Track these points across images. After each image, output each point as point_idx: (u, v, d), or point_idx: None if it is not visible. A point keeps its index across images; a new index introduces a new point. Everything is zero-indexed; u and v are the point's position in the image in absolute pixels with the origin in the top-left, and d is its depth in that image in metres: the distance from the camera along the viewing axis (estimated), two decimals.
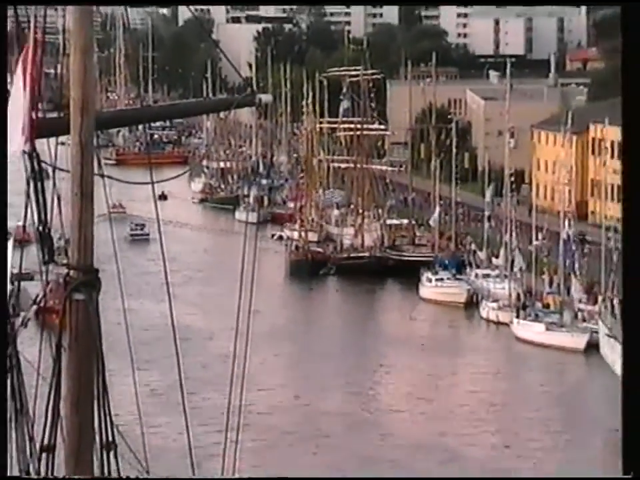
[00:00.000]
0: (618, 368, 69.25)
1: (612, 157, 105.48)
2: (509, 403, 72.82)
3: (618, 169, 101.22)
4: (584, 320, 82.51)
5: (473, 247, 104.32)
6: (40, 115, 12.17)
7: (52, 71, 15.95)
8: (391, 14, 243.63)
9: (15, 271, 12.89)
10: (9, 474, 13.69)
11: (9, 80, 12.51)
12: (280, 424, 62.39)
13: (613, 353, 69.93)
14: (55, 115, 12.90)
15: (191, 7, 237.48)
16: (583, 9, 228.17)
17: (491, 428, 67.64)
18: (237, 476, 16.06)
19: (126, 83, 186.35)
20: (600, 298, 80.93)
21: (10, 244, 12.47)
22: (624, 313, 9.78)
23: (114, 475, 12.16)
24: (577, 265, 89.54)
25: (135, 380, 15.02)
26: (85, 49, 11.27)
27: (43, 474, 12.13)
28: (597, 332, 76.30)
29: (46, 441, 12.05)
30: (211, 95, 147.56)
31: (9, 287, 12.06)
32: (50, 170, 13.22)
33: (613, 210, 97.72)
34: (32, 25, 13.11)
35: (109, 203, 13.02)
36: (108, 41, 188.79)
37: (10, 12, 14.19)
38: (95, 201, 11.43)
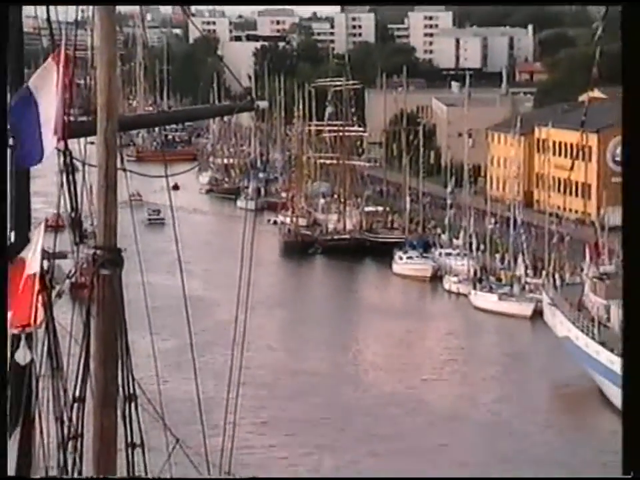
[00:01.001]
0: (558, 331, 69.29)
1: (554, 154, 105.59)
2: (468, 359, 72.94)
3: (559, 164, 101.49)
4: (530, 291, 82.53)
5: (438, 230, 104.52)
6: (71, 118, 12.19)
7: (82, 81, 15.93)
8: (368, 33, 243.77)
9: (51, 251, 12.90)
10: (44, 426, 13.70)
11: (36, 90, 12.49)
12: (273, 377, 62.38)
13: (554, 319, 69.99)
14: (84, 118, 12.91)
15: (200, 27, 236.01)
16: (530, 29, 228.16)
17: (452, 379, 67.72)
18: (234, 477, 15.98)
19: (144, 91, 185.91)
20: (544, 273, 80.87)
21: (42, 227, 12.47)
22: (624, 314, 8.58)
23: (134, 423, 12.19)
24: (524, 245, 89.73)
25: (152, 341, 15.05)
26: (109, 63, 11.29)
27: (74, 420, 12.17)
28: (541, 301, 76.29)
29: (77, 393, 12.08)
30: (216, 101, 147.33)
31: (46, 264, 12.06)
32: (80, 165, 13.24)
33: (554, 199, 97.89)
34: (64, 42, 13.11)
35: (129, 193, 13.03)
36: (129, 56, 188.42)
37: (46, 31, 14.15)
38: (118, 191, 11.47)
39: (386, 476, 45.06)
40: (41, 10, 13.94)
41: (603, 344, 62.62)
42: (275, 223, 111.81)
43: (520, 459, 52.94)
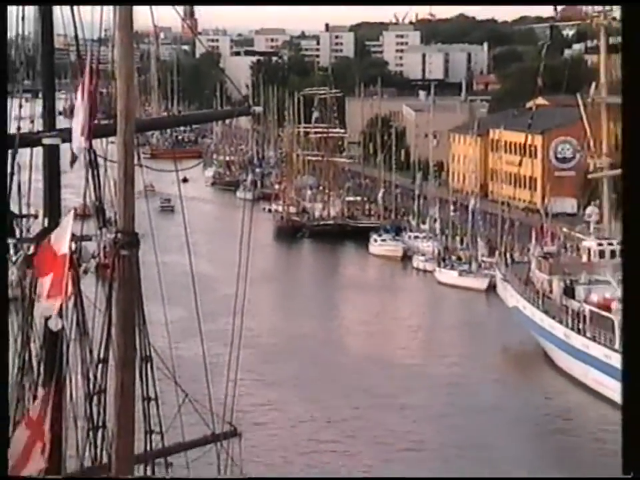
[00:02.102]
0: (508, 302, 69.37)
1: (505, 152, 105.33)
2: (433, 325, 73.22)
3: (510, 160, 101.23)
4: (485, 268, 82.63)
5: (408, 217, 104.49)
6: (95, 122, 12.17)
7: (104, 90, 15.83)
8: (348, 49, 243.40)
9: (78, 234, 12.88)
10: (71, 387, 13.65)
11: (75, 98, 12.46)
12: (268, 341, 62.44)
13: (505, 292, 70.13)
14: (106, 122, 12.87)
15: (205, 44, 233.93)
16: (485, 46, 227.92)
17: (419, 342, 67.93)
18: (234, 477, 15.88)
19: (158, 99, 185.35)
20: (497, 253, 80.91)
21: (71, 214, 12.43)
22: (624, 314, 7.53)
23: (150, 380, 12.17)
24: (480, 230, 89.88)
25: (164, 311, 15.04)
26: (127, 74, 11.25)
27: (98, 378, 12.17)
28: (494, 277, 76.41)
29: (101, 355, 12.08)
30: (219, 107, 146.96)
31: (74, 245, 12.04)
32: (103, 161, 13.21)
33: (506, 190, 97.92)
34: (89, 57, 13.05)
35: (144, 185, 13.01)
36: (145, 68, 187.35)
37: (73, 47, 14.05)
38: (135, 183, 11.44)
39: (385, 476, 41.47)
40: (70, 29, 13.86)
41: (546, 312, 62.86)
42: (269, 210, 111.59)
43: (474, 405, 53.17)
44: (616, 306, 57.10)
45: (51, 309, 12.22)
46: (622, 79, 7.65)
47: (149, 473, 12.98)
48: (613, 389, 54.83)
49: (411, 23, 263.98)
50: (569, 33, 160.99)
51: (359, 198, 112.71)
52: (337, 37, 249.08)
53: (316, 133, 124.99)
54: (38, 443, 12.65)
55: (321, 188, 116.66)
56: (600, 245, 63.12)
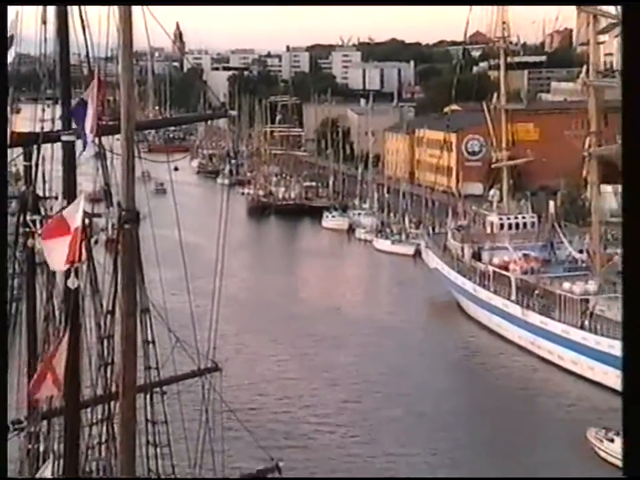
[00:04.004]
0: (430, 264, 69.52)
1: (428, 147, 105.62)
2: (371, 282, 73.51)
3: (431, 154, 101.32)
4: (412, 238, 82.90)
5: (352, 198, 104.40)
6: (103, 122, 12.06)
7: (111, 98, 15.66)
8: (304, 65, 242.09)
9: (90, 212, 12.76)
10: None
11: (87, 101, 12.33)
12: (242, 297, 62.34)
13: (427, 256, 70.35)
14: (112, 122, 12.74)
15: (191, 61, 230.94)
16: (412, 64, 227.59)
17: (360, 295, 68.15)
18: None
19: (153, 105, 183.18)
20: (421, 226, 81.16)
21: (82, 196, 12.32)
22: (624, 315, 6.25)
23: (148, 328, 12.09)
24: (408, 208, 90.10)
25: (159, 272, 14.96)
26: (129, 85, 11.13)
27: (108, 325, 12.08)
28: (419, 245, 76.64)
29: (110, 307, 12.00)
30: (202, 111, 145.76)
31: (87, 221, 11.93)
32: (110, 154, 13.10)
33: (428, 177, 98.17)
34: (97, 71, 12.91)
35: (142, 172, 12.90)
36: (143, 81, 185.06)
37: (85, 63, 13.90)
38: (135, 171, 11.35)
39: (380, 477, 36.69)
40: (82, 49, 13.71)
41: (459, 272, 63.23)
42: (243, 193, 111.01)
43: (403, 343, 53.52)
44: (512, 267, 57.58)
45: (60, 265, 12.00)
46: (622, 79, 6.47)
47: (147, 400, 12.92)
48: (509, 330, 55.42)
49: (353, 45, 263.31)
50: (476, 53, 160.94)
51: (313, 183, 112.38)
52: (295, 55, 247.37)
53: (279, 132, 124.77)
54: (49, 375, 12.56)
55: (283, 175, 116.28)
56: (500, 219, 63.52)
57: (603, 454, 36.60)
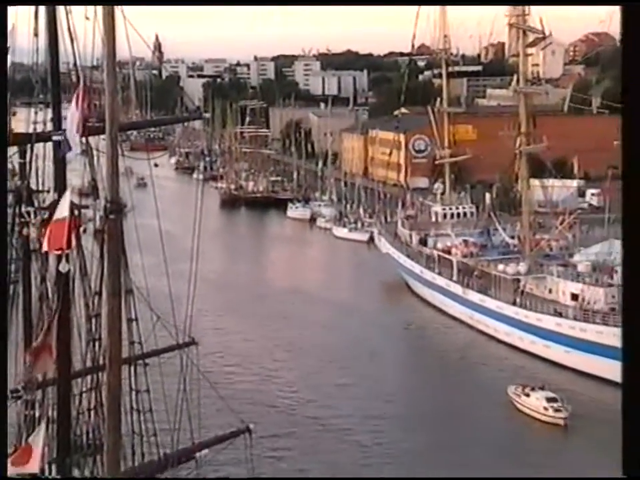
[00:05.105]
0: (382, 249, 69.62)
1: (380, 146, 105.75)
2: (330, 265, 73.59)
3: (383, 152, 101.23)
4: (367, 226, 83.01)
5: (313, 191, 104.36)
6: (90, 124, 11.96)
7: (97, 102, 15.52)
8: (270, 73, 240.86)
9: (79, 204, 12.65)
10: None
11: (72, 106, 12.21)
12: (215, 279, 62.01)
13: (380, 242, 70.44)
14: (98, 124, 12.63)
15: (169, 70, 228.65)
16: (365, 72, 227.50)
17: (320, 277, 68.17)
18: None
19: (135, 109, 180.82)
20: (375, 215, 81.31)
21: (69, 190, 12.22)
22: (623, 316, 5.77)
23: (132, 307, 12.00)
24: (363, 199, 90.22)
25: (141, 258, 14.87)
26: (113, 90, 11.04)
27: (95, 305, 12.02)
28: (373, 232, 76.73)
29: (97, 289, 11.93)
30: (179, 114, 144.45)
31: (76, 212, 11.84)
32: (96, 152, 12.98)
33: (380, 172, 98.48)
34: (82, 78, 12.79)
35: (125, 168, 12.82)
36: (125, 87, 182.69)
37: (73, 72, 13.76)
38: (119, 167, 11.26)
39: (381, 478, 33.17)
40: (71, 58, 13.58)
41: (408, 256, 63.47)
42: (216, 187, 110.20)
43: (359, 317, 53.71)
44: (454, 251, 57.98)
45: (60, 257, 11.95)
46: (622, 79, 5.90)
47: (132, 371, 12.88)
48: (451, 306, 55.83)
49: (314, 55, 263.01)
50: (422, 63, 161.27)
51: (279, 178, 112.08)
52: (262, 65, 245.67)
53: (248, 132, 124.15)
54: (43, 349, 12.47)
55: (252, 171, 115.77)
56: (444, 209, 63.85)
57: (519, 406, 38.56)
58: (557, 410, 37.00)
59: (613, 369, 41.65)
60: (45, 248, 11.98)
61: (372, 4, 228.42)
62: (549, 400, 37.47)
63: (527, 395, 38.23)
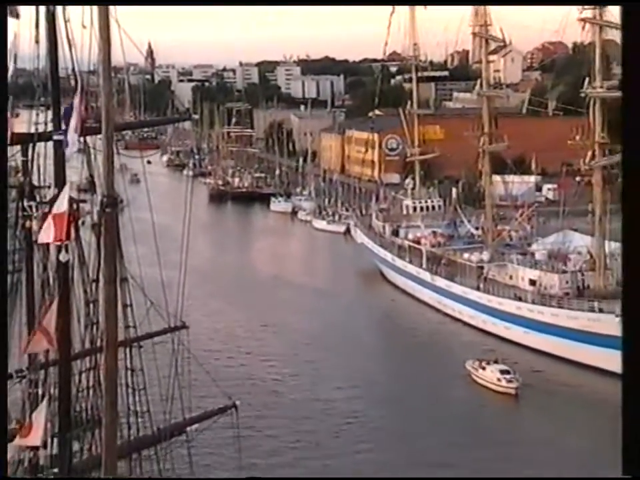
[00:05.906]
0: (358, 240, 69.60)
1: (356, 145, 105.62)
2: (310, 255, 73.60)
3: (359, 150, 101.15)
4: (344, 219, 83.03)
5: (294, 186, 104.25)
6: (87, 124, 11.90)
7: (94, 104, 15.42)
8: (254, 77, 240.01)
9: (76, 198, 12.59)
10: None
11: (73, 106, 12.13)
12: (205, 268, 61.85)
13: (356, 233, 70.45)
14: (95, 125, 12.56)
15: (161, 74, 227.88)
16: (342, 77, 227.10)
17: (301, 266, 68.22)
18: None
19: (130, 110, 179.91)
20: (351, 209, 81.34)
21: (68, 185, 12.15)
22: (624, 317, 5.51)
23: (127, 293, 11.97)
24: (340, 194, 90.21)
25: (135, 248, 14.83)
26: (108, 93, 10.98)
27: (93, 291, 11.98)
28: (349, 224, 76.75)
29: (95, 277, 11.88)
30: (170, 115, 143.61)
31: (74, 206, 11.78)
32: (93, 151, 12.91)
33: (356, 169, 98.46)
34: (80, 81, 12.71)
35: (120, 165, 12.76)
36: (120, 90, 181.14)
37: (72, 76, 13.66)
38: (114, 164, 11.22)
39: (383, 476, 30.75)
40: (70, 66, 13.50)
41: (381, 246, 63.66)
42: (205, 183, 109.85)
43: (337, 302, 53.79)
44: (423, 241, 58.21)
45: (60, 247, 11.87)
46: (622, 79, 5.51)
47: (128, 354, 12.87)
48: (421, 291, 56.08)
49: (294, 61, 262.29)
50: (394, 69, 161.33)
51: (263, 174, 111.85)
52: (247, 70, 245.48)
53: (234, 132, 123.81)
54: (44, 333, 12.41)
55: (238, 168, 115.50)
56: (414, 203, 64.08)
57: (476, 378, 39.54)
58: (509, 381, 37.95)
59: (567, 349, 42.21)
60: (40, 239, 11.89)
61: (353, 4, 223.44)
62: (502, 372, 38.46)
63: (483, 369, 39.21)
